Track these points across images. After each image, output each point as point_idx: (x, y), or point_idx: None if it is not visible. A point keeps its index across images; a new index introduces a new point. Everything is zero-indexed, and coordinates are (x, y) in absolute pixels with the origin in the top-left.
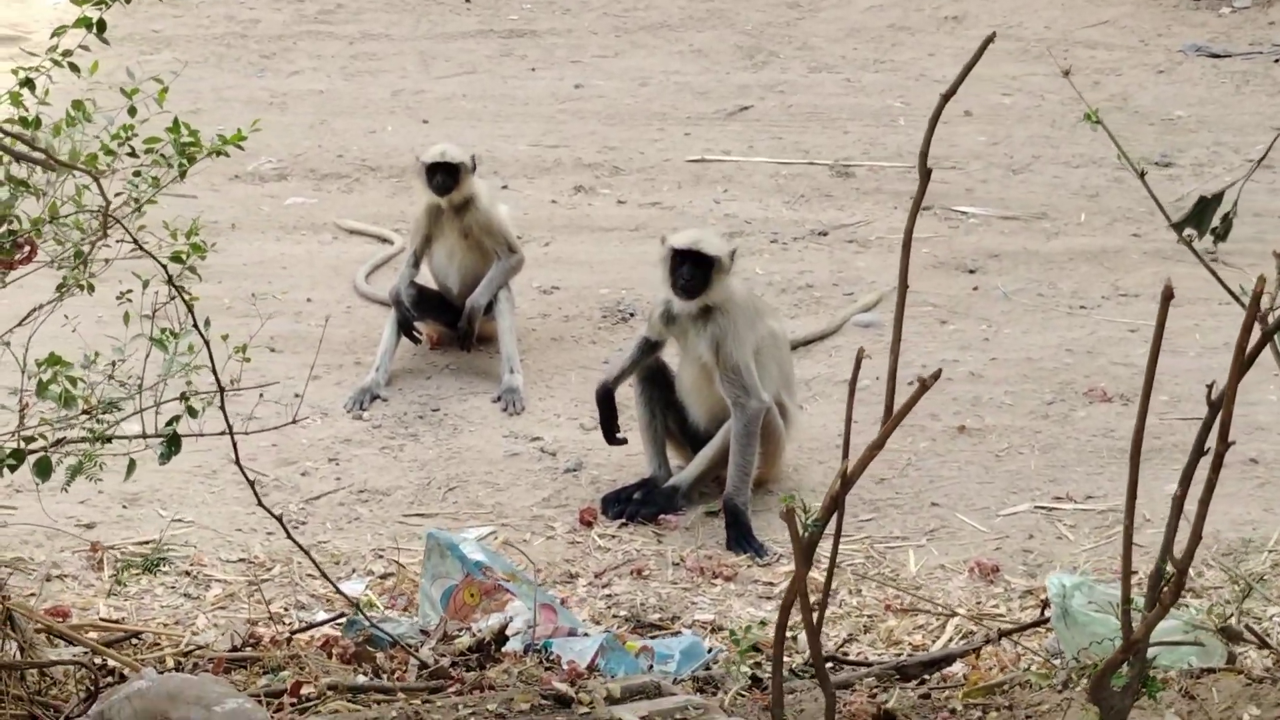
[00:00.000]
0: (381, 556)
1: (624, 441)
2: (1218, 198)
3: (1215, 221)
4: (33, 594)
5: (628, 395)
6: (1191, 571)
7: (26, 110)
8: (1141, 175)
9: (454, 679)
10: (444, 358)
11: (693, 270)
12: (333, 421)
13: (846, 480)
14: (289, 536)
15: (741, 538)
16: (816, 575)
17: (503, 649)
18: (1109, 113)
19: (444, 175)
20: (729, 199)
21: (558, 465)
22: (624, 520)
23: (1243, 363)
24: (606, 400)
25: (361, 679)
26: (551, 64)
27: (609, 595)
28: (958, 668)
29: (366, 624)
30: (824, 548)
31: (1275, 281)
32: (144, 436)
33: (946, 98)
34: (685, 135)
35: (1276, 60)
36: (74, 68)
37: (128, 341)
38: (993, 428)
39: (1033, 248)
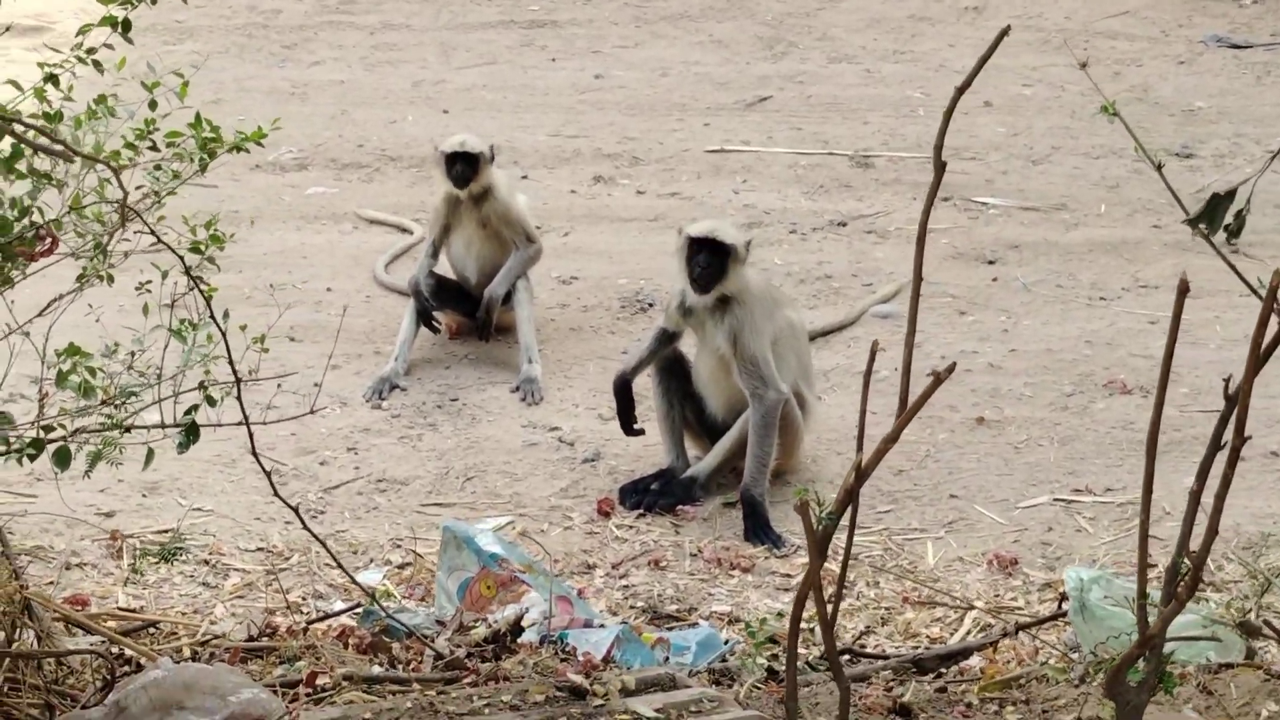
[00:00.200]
0: (399, 546)
1: (641, 432)
2: (1230, 194)
3: (1228, 218)
4: (51, 582)
5: (645, 386)
6: (1210, 565)
7: (50, 105)
8: (1159, 168)
9: (469, 670)
10: (463, 347)
11: (709, 259)
12: (351, 411)
13: (861, 473)
14: (306, 527)
15: (759, 529)
16: (832, 567)
17: (518, 640)
18: (1129, 104)
19: (463, 165)
20: (748, 189)
21: (576, 455)
22: (642, 511)
23: (1259, 356)
24: (624, 391)
25: (377, 669)
26: (572, 54)
27: (626, 586)
28: (975, 661)
29: (382, 614)
30: (840, 539)
31: None
32: (162, 426)
33: (961, 90)
34: (705, 126)
35: None
36: (98, 66)
37: (147, 332)
38: (1012, 419)
39: (1052, 239)
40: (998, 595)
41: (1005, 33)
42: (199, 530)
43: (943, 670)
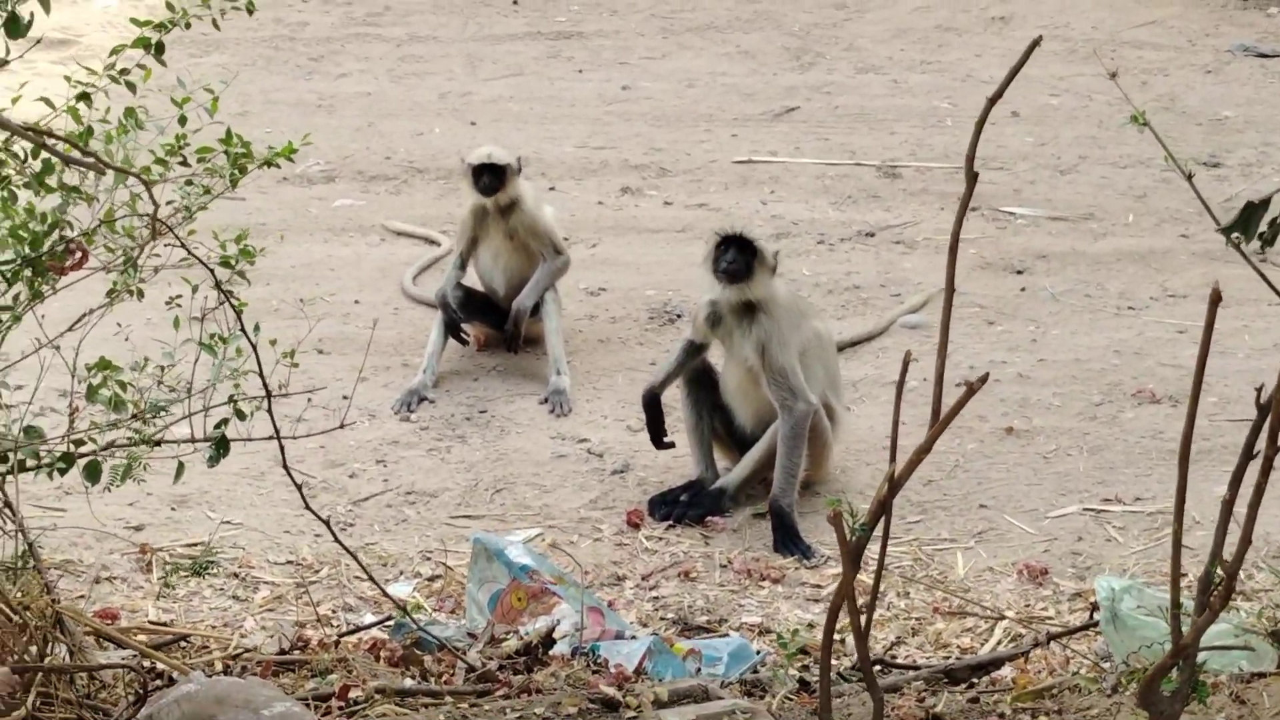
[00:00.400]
0: (429, 558)
1: (672, 445)
2: (1265, 203)
3: (1263, 226)
4: (81, 596)
5: (674, 396)
6: (1241, 574)
7: (81, 123)
8: (1189, 177)
9: (501, 682)
10: (491, 359)
11: (736, 255)
12: (380, 423)
13: (894, 484)
14: (336, 540)
15: (788, 540)
16: (864, 578)
17: (550, 652)
18: (1156, 113)
19: (490, 176)
20: (775, 200)
21: (605, 467)
22: (671, 522)
23: None
24: (653, 405)
25: (409, 682)
26: (598, 66)
27: (656, 597)
28: (1006, 671)
29: (414, 627)
30: (872, 550)
31: None
32: (192, 441)
33: (993, 101)
34: (732, 136)
35: None
36: (130, 86)
37: (178, 346)
38: (1041, 429)
39: (1080, 248)
40: (1028, 605)
41: (1037, 43)
42: (228, 543)
43: (974, 680)
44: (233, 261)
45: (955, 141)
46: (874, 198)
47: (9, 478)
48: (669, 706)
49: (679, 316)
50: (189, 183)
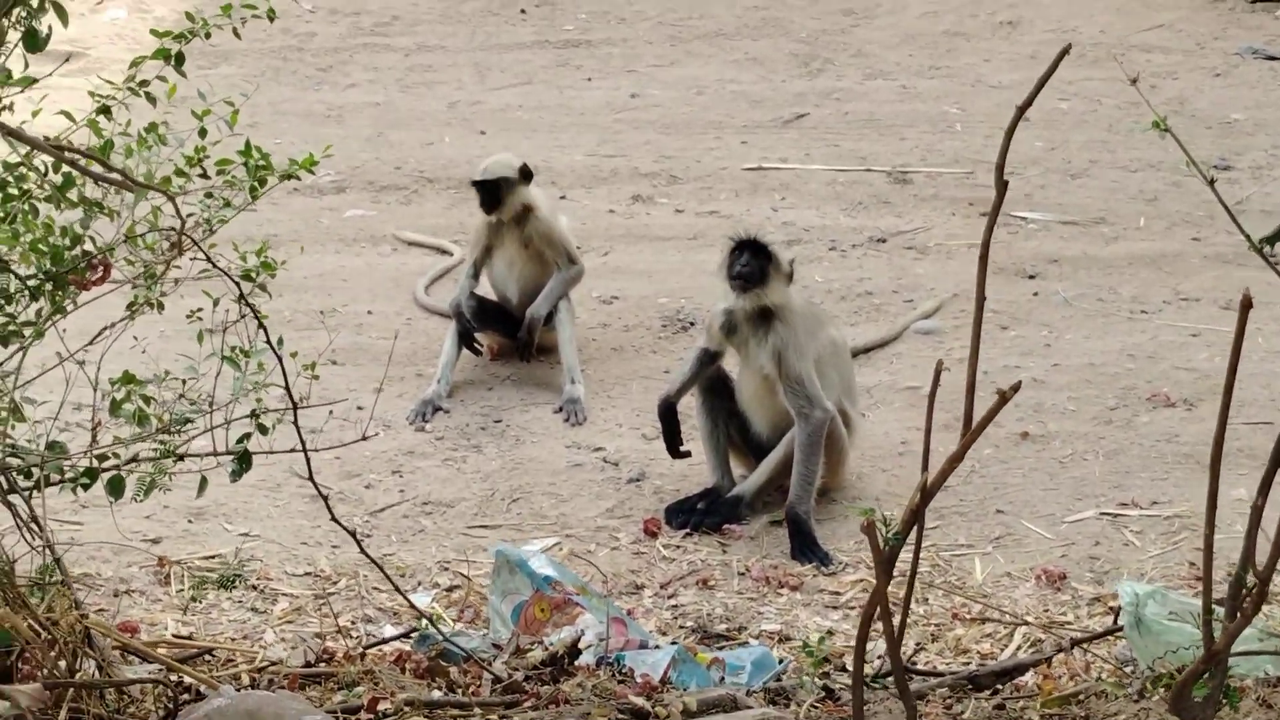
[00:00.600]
0: (447, 569)
1: (688, 454)
2: None
3: None
4: (103, 610)
5: (689, 404)
6: None
7: (101, 136)
8: (1211, 183)
9: (529, 693)
10: (505, 369)
11: (751, 259)
12: (395, 434)
13: (926, 492)
14: (362, 551)
15: (806, 547)
16: (892, 587)
17: (575, 662)
18: (1166, 117)
19: (483, 192)
20: (786, 207)
21: (621, 475)
22: (688, 530)
23: None
24: (669, 414)
25: (437, 694)
26: (607, 74)
27: (675, 606)
28: (1029, 677)
29: (439, 638)
30: (903, 557)
31: None
32: (215, 454)
33: (1022, 110)
34: (742, 143)
35: None
36: (151, 99)
37: (202, 360)
38: (1056, 434)
39: (1092, 253)
40: (1047, 610)
41: (1066, 51)
42: (246, 555)
43: (999, 687)
44: (254, 274)
45: (965, 146)
46: (885, 203)
47: (35, 493)
48: (698, 716)
49: (692, 324)
50: (209, 195)
